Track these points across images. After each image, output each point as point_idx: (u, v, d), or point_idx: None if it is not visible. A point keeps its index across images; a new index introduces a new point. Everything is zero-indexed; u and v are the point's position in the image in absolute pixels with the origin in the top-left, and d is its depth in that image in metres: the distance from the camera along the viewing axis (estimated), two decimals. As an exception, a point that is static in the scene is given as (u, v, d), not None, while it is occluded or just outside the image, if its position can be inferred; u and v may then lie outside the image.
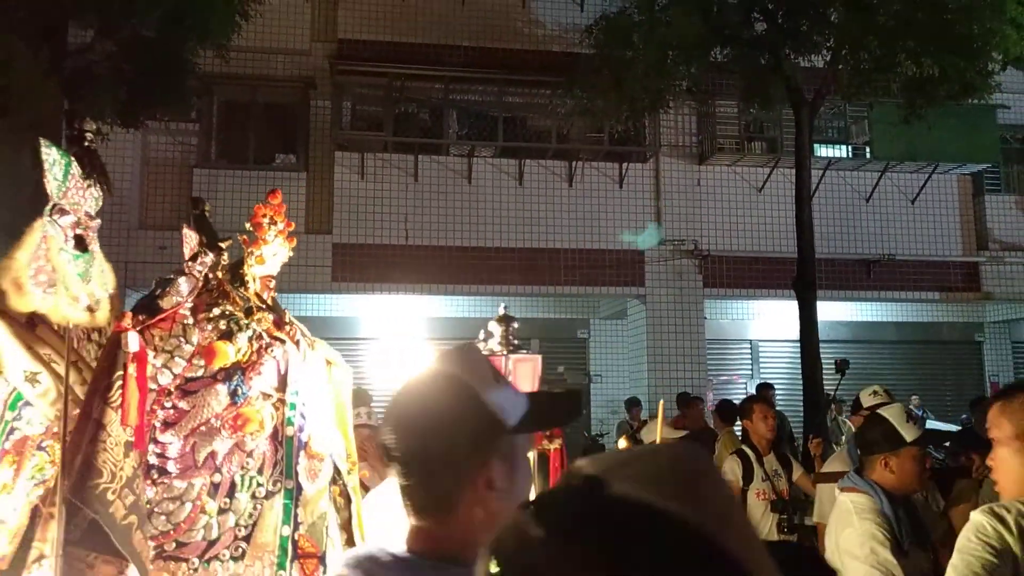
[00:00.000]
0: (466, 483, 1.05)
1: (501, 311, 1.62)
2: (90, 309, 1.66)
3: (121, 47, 7.48)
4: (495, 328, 1.57)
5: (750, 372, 12.89)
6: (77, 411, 1.54)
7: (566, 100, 9.43)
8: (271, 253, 1.86)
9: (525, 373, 1.55)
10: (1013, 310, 12.83)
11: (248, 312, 1.73)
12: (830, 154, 11.17)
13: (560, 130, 10.53)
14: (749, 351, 13.02)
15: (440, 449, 1.06)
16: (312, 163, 10.35)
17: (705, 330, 11.16)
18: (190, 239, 1.99)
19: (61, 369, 1.59)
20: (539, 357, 1.57)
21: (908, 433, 2.47)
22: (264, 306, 1.78)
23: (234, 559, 1.46)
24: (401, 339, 12.28)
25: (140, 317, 1.68)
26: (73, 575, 1.43)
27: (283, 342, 1.70)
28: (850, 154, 11.33)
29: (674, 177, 10.96)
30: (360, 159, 10.16)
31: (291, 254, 1.94)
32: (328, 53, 10.18)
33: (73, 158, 1.66)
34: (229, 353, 1.65)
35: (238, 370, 1.62)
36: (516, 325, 1.61)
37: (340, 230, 10.12)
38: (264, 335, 1.70)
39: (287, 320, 1.79)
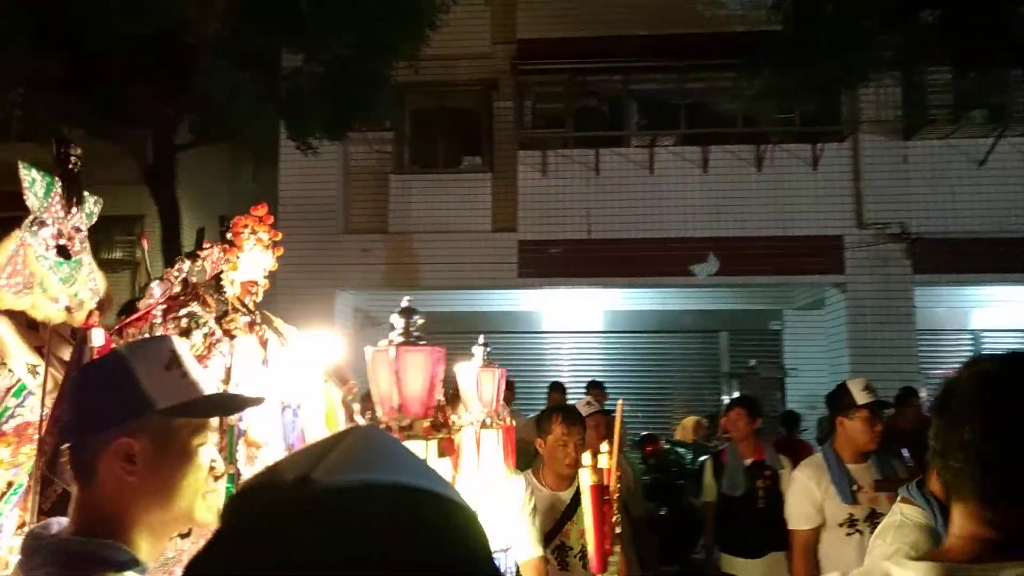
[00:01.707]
0: (103, 452, 1.10)
1: (404, 303, 1.56)
2: (69, 309, 1.77)
3: (326, 68, 8.15)
4: (397, 321, 1.51)
5: (971, 365, 11.60)
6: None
7: (753, 82, 8.99)
8: (250, 260, 1.95)
9: (416, 365, 1.47)
10: None
11: (224, 313, 1.85)
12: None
13: (746, 113, 10.06)
14: (971, 342, 11.70)
15: (85, 414, 1.13)
16: (496, 163, 10.68)
17: (915, 320, 10.20)
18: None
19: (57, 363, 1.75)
20: (432, 349, 1.49)
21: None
22: (242, 309, 1.90)
23: (181, 536, 1.60)
24: (585, 332, 12.40)
25: (122, 316, 1.86)
26: None
27: (232, 339, 1.80)
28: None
29: (876, 155, 10.10)
30: (542, 156, 10.33)
31: (275, 263, 2.02)
32: (508, 54, 10.44)
33: (58, 178, 1.80)
34: None
35: None
36: (419, 319, 1.53)
37: (524, 227, 10.35)
38: (217, 332, 1.81)
39: (258, 322, 1.90)
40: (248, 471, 1.66)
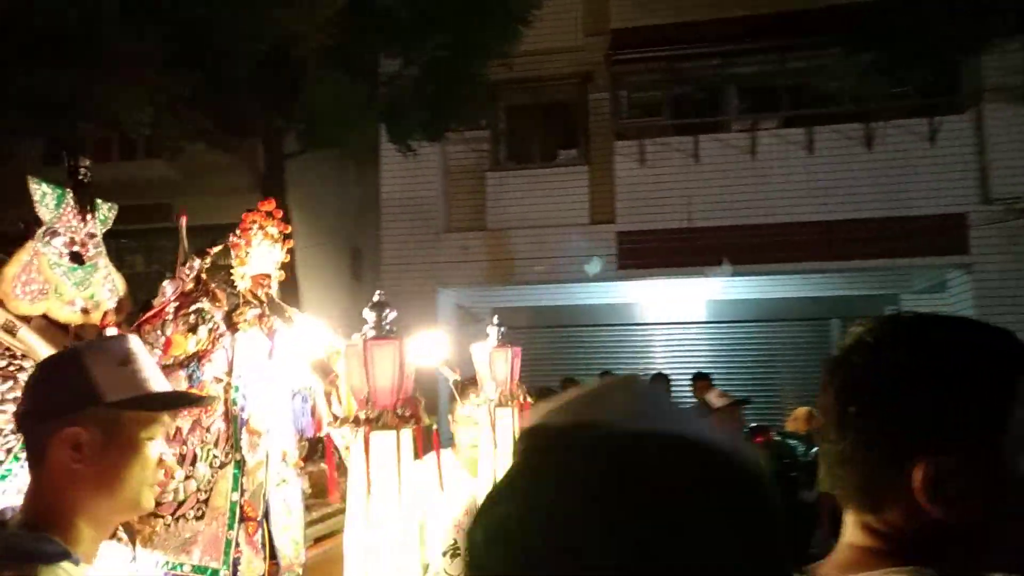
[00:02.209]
0: (52, 440, 1.14)
1: (375, 298, 1.51)
2: (85, 311, 1.83)
3: (423, 71, 8.33)
4: (368, 315, 1.46)
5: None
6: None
7: (862, 56, 8.55)
8: (258, 255, 1.99)
9: (384, 358, 1.42)
10: None
11: (235, 307, 1.89)
12: None
13: (854, 90, 9.59)
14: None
15: (38, 404, 1.17)
16: (592, 155, 10.62)
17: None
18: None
19: None
20: (401, 342, 1.44)
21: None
22: (253, 302, 1.94)
23: (196, 519, 1.69)
24: (688, 323, 12.16)
25: (139, 315, 1.92)
26: None
27: (235, 332, 1.83)
28: None
29: (1003, 125, 9.41)
30: (639, 146, 10.20)
31: (286, 256, 2.05)
32: (602, 45, 10.35)
33: (69, 190, 1.88)
34: (184, 344, 1.83)
35: (195, 358, 1.80)
36: (391, 312, 1.44)
37: (623, 218, 10.25)
38: (221, 327, 1.84)
39: (267, 313, 1.93)
40: (251, 458, 1.73)
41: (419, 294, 10.81)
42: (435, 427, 2.63)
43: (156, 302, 1.97)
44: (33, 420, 1.19)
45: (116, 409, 1.18)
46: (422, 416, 1.61)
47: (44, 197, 1.91)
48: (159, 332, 1.91)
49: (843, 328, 11.73)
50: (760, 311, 11.74)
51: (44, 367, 1.27)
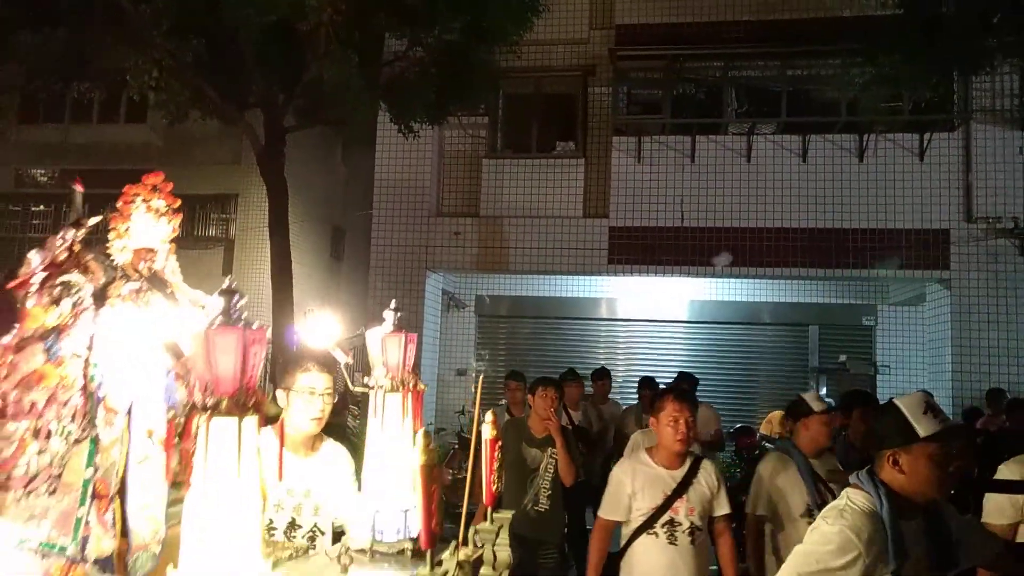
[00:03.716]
0: None
1: (225, 285, 1.56)
2: None
3: (429, 53, 8.27)
4: (216, 302, 1.52)
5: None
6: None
7: (864, 69, 8.70)
8: (141, 228, 1.97)
9: (226, 347, 1.47)
10: None
11: (111, 281, 1.86)
12: None
13: (850, 102, 9.76)
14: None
15: None
16: (590, 149, 10.65)
17: (1026, 320, 9.78)
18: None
19: None
20: (247, 331, 1.50)
21: (922, 427, 2.05)
22: (133, 275, 1.91)
23: (48, 494, 1.68)
24: (671, 322, 12.29)
25: (3, 282, 1.86)
26: None
27: (98, 307, 1.80)
28: None
29: (989, 146, 9.67)
30: (637, 142, 10.26)
31: (174, 229, 2.02)
32: (606, 40, 10.37)
33: None
34: (41, 317, 1.79)
35: (55, 331, 1.77)
36: (241, 299, 1.51)
37: (616, 213, 10.31)
38: (86, 301, 1.81)
39: (144, 289, 1.90)
40: (107, 435, 1.72)
41: (407, 276, 10.77)
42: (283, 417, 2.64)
43: (21, 272, 1.90)
44: None
45: None
46: (265, 406, 1.63)
47: None
48: (19, 304, 1.87)
49: (820, 335, 11.99)
50: (741, 313, 11.91)
51: None
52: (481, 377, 2.95)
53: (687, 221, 10.13)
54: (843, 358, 11.84)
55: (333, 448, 2.84)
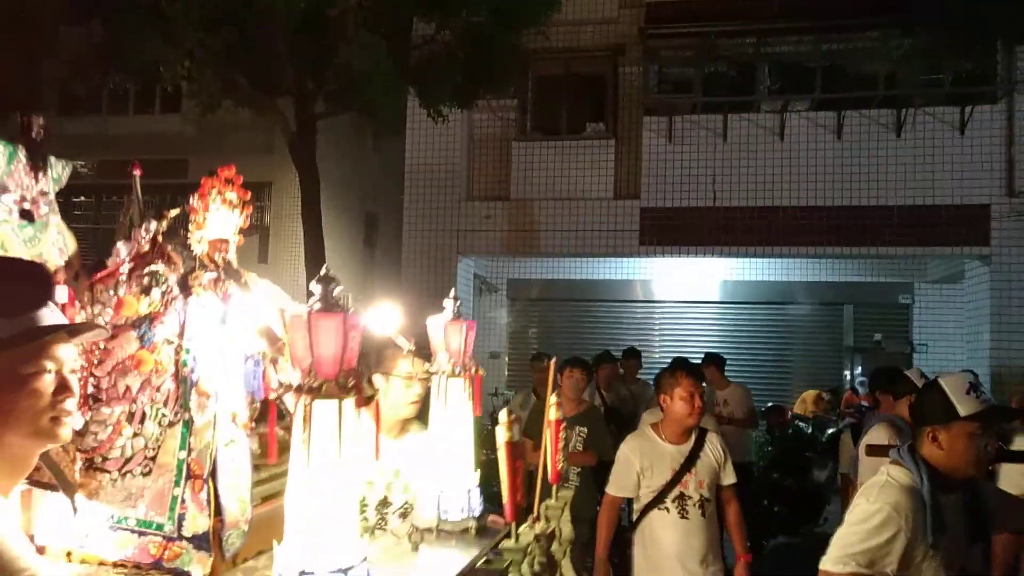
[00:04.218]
0: None
1: (322, 272, 1.58)
2: None
3: (457, 36, 8.26)
4: (315, 288, 1.55)
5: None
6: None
7: (902, 42, 8.51)
8: (216, 220, 2.01)
9: (328, 331, 1.52)
10: None
11: (191, 270, 1.91)
12: None
13: (888, 76, 9.55)
14: None
15: None
16: (620, 129, 10.58)
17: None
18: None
19: None
20: (346, 315, 1.55)
21: (964, 407, 2.09)
22: (209, 266, 1.95)
23: (143, 475, 1.74)
24: (703, 303, 12.22)
25: (93, 273, 1.94)
26: None
27: (188, 296, 1.86)
28: None
29: (1031, 118, 9.42)
30: (668, 122, 10.17)
31: (244, 222, 2.07)
32: (636, 18, 10.27)
33: (21, 147, 1.88)
34: (135, 305, 1.85)
35: (147, 319, 1.83)
36: (337, 286, 1.56)
37: (648, 194, 10.26)
38: (175, 290, 1.87)
39: (223, 278, 1.94)
40: (200, 418, 1.77)
41: (439, 261, 10.83)
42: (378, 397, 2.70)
43: (110, 262, 1.98)
44: None
45: None
46: (364, 388, 1.63)
47: None
48: (111, 292, 1.93)
49: (856, 314, 11.85)
50: (773, 293, 11.81)
51: None
52: (552, 361, 2.98)
53: (719, 201, 10.04)
54: (878, 337, 11.70)
55: (419, 432, 2.91)
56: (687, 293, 11.83)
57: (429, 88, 8.39)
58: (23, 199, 1.91)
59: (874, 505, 2.11)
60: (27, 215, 1.91)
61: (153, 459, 1.77)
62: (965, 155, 9.60)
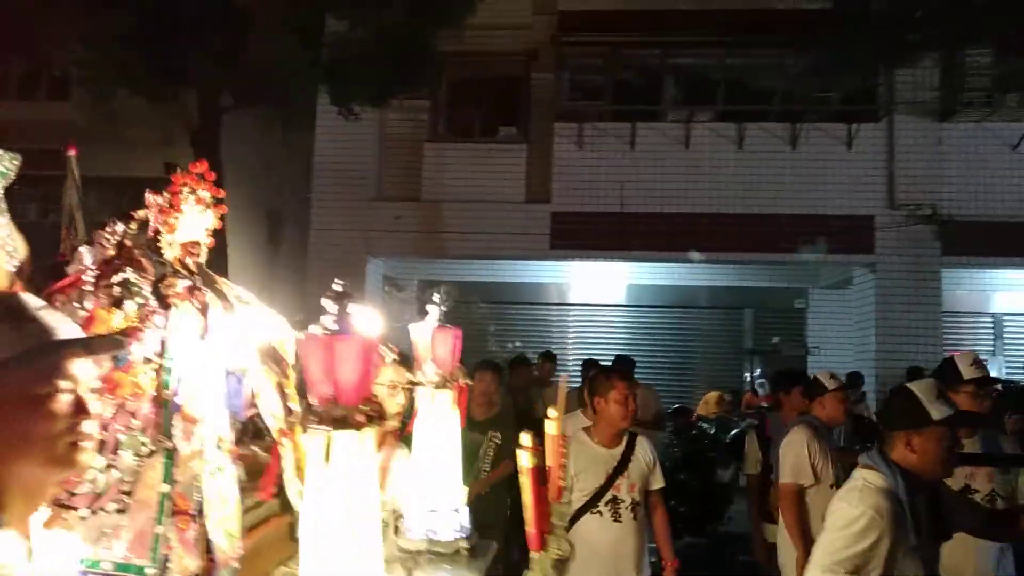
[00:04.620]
0: None
1: (336, 288, 1.50)
2: None
3: (372, 35, 8.14)
4: (330, 306, 1.46)
5: (992, 348, 11.75)
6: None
7: (796, 60, 8.99)
8: (189, 221, 1.87)
9: (351, 355, 1.40)
10: None
11: (162, 277, 1.75)
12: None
13: (783, 92, 10.07)
14: (992, 325, 11.84)
15: None
16: (532, 134, 10.68)
17: (944, 302, 10.33)
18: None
19: None
20: (367, 339, 1.45)
21: (936, 411, 2.23)
22: (183, 272, 1.81)
23: (118, 511, 1.56)
24: (611, 306, 12.49)
25: (48, 281, 1.75)
26: None
27: (167, 309, 1.70)
28: None
29: (910, 136, 10.12)
30: (578, 128, 10.34)
31: (217, 222, 1.93)
32: (549, 25, 10.40)
33: None
34: (109, 320, 1.69)
35: (122, 335, 1.65)
36: (351, 302, 1.46)
37: (558, 199, 10.40)
38: (151, 301, 1.70)
39: (198, 286, 1.80)
40: (186, 447, 1.62)
41: (347, 262, 10.61)
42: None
43: (71, 269, 1.78)
44: None
45: None
46: (387, 416, 1.54)
47: None
48: (76, 304, 1.72)
49: (755, 318, 12.39)
50: (678, 297, 12.19)
51: None
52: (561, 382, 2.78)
53: (627, 207, 10.28)
54: (776, 340, 12.27)
55: (394, 445, 2.73)
56: (596, 296, 12.06)
57: (341, 85, 8.23)
58: None
59: (856, 509, 2.16)
60: None
61: (129, 493, 1.58)
62: (852, 169, 10.21)
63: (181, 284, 1.74)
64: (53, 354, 1.17)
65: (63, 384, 1.16)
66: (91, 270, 1.73)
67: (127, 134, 13.06)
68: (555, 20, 10.35)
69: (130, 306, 1.69)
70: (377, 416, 1.39)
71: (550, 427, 2.12)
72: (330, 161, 10.72)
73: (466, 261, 11.44)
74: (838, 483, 3.80)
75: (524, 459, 2.11)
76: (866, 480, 2.24)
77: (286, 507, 1.90)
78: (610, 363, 8.03)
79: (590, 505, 3.60)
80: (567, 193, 10.37)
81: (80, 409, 1.18)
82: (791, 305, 12.10)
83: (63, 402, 1.16)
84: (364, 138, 10.55)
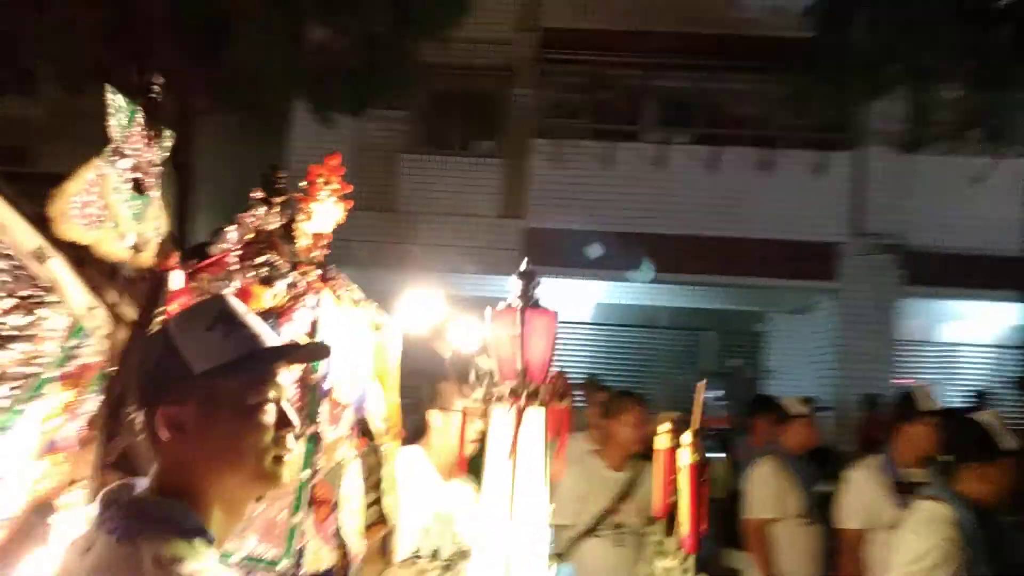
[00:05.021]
0: (156, 423, 1.08)
1: (522, 267, 1.55)
2: (136, 248, 1.67)
3: (354, 43, 8.04)
4: (515, 284, 1.50)
5: (942, 377, 12.08)
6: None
7: (774, 86, 9.19)
8: (322, 212, 1.92)
9: (540, 329, 1.40)
10: None
11: (294, 265, 1.79)
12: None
13: (757, 117, 10.27)
14: (947, 355, 12.19)
15: (140, 388, 1.13)
16: (508, 150, 10.67)
17: (901, 330, 10.61)
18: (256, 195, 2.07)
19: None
20: (554, 312, 1.49)
21: (1005, 443, 2.29)
22: (311, 261, 1.85)
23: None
24: (576, 324, 12.49)
25: (191, 260, 1.78)
26: None
27: (318, 292, 1.74)
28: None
29: (880, 167, 10.41)
30: (556, 146, 10.37)
31: (343, 216, 1.99)
32: (530, 41, 10.42)
33: (140, 108, 1.72)
34: (264, 297, 1.72)
35: (272, 315, 1.69)
36: (538, 281, 1.49)
37: (533, 215, 10.38)
38: (301, 283, 1.76)
39: (332, 276, 1.87)
40: (331, 432, 1.61)
41: (317, 271, 10.41)
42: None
43: (215, 249, 1.81)
44: (139, 403, 1.12)
45: (209, 379, 1.08)
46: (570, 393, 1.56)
47: (118, 111, 1.68)
48: (225, 282, 1.74)
49: (717, 340, 12.54)
50: (643, 317, 12.28)
51: (140, 348, 1.21)
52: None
53: (602, 226, 10.32)
54: (734, 362, 12.44)
55: (460, 476, 2.67)
56: (564, 314, 12.03)
57: (319, 92, 8.09)
58: (136, 167, 1.69)
59: (928, 542, 2.18)
60: (138, 186, 1.69)
61: None
62: (820, 196, 10.43)
63: (314, 274, 1.77)
64: (268, 361, 1.12)
65: (272, 394, 1.10)
66: (236, 249, 1.74)
67: (93, 133, 12.65)
68: (535, 37, 10.38)
69: (280, 285, 1.72)
70: (565, 393, 1.38)
71: (661, 441, 2.08)
72: (304, 169, 10.50)
73: (441, 275, 11.31)
74: (807, 514, 3.82)
75: (683, 456, 2.03)
76: (933, 512, 2.25)
77: (381, 518, 1.85)
78: (576, 380, 8.07)
79: (593, 529, 3.54)
80: (542, 210, 10.36)
81: (284, 421, 1.12)
82: (751, 328, 12.29)
83: (272, 413, 1.11)
84: (339, 147, 10.33)
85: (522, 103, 10.62)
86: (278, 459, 1.11)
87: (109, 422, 1.55)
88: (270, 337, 1.14)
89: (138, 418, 1.11)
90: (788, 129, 10.41)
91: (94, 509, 1.10)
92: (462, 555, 2.42)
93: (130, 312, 1.65)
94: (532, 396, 1.35)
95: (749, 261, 10.36)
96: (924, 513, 2.28)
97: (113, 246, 1.63)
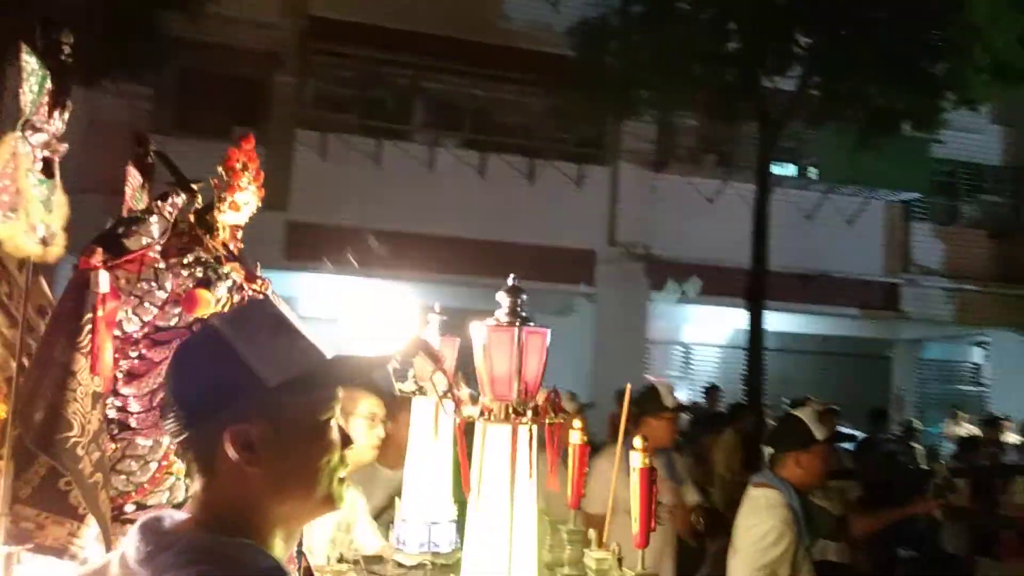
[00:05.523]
0: (217, 443, 0.96)
1: (509, 283, 1.56)
2: (44, 242, 1.49)
3: (88, 4, 7.09)
4: (504, 299, 1.59)
5: (681, 374, 13.36)
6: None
7: (539, 99, 9.54)
8: (243, 201, 1.75)
9: (535, 347, 1.48)
10: (922, 330, 13.76)
11: (218, 261, 1.64)
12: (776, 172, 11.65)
13: (524, 127, 10.61)
14: (683, 353, 13.49)
15: (190, 403, 0.99)
16: (271, 139, 10.04)
17: (648, 331, 11.52)
18: (133, 178, 1.90)
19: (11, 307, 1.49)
20: (547, 331, 1.58)
21: (819, 432, 2.69)
22: (233, 257, 1.70)
23: None
24: (346, 321, 12.12)
25: (106, 256, 1.55)
26: (19, 535, 1.34)
27: (259, 295, 1.66)
28: (796, 173, 11.88)
29: (631, 182, 11.21)
30: (322, 139, 9.96)
31: (259, 204, 1.83)
32: (297, 28, 9.90)
33: (49, 72, 1.48)
34: (211, 302, 1.57)
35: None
36: (525, 297, 1.55)
37: (295, 208, 9.89)
38: (244, 286, 1.64)
39: (258, 273, 1.73)
40: None
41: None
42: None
43: (132, 243, 1.55)
44: (189, 420, 0.98)
45: (283, 393, 0.97)
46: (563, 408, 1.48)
47: (30, 76, 1.39)
48: (152, 284, 1.52)
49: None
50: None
51: (184, 356, 1.04)
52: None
53: (369, 223, 10.06)
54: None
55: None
56: (327, 313, 11.63)
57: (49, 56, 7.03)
58: (47, 144, 1.46)
59: (767, 523, 2.51)
60: (47, 167, 1.47)
61: None
62: (580, 206, 11.04)
63: (234, 273, 1.57)
64: (340, 375, 1.03)
65: (336, 409, 1.02)
66: (159, 244, 1.52)
67: None
68: (303, 24, 9.88)
69: (221, 290, 1.55)
70: (559, 410, 1.39)
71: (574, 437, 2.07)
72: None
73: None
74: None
75: (634, 460, 2.02)
76: (767, 498, 2.57)
77: None
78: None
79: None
80: (306, 203, 9.90)
81: (346, 439, 1.03)
82: (517, 330, 12.71)
83: (336, 430, 1.02)
84: (70, 121, 9.14)
85: (286, 91, 10.08)
86: (341, 480, 1.03)
87: (19, 446, 1.34)
88: (319, 344, 1.05)
89: (192, 435, 0.97)
90: (552, 141, 10.88)
91: (132, 546, 0.94)
92: (368, 559, 2.32)
93: (34, 317, 1.46)
94: (530, 414, 1.38)
95: (514, 264, 10.54)
96: (761, 499, 2.59)
97: (22, 239, 1.42)
